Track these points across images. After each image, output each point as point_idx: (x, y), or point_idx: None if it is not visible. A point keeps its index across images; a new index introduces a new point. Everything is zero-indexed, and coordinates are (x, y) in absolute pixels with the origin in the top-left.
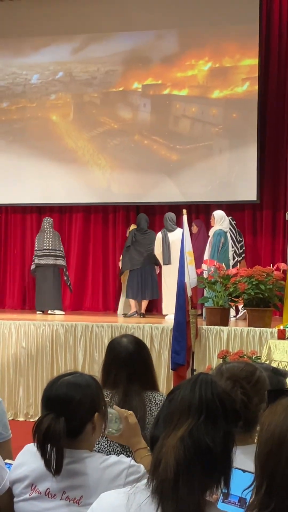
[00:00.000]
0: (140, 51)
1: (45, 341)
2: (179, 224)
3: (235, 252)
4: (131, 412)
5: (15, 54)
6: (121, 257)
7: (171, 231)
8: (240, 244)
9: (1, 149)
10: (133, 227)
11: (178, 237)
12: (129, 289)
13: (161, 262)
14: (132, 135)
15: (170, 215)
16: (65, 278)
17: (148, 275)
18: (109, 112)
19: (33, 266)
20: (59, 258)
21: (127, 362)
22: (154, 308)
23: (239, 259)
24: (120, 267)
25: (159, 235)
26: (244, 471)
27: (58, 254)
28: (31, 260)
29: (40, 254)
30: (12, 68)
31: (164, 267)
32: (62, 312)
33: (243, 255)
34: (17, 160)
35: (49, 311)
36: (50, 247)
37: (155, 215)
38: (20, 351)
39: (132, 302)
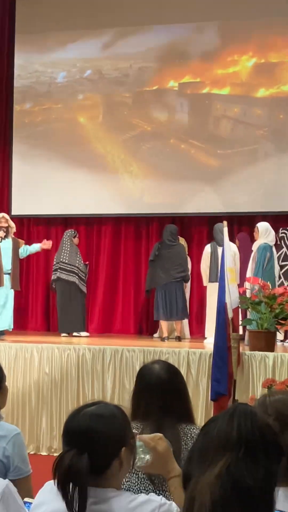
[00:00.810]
0: (176, 46)
1: (70, 366)
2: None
3: None
4: (160, 435)
5: (39, 51)
6: None
7: (222, 245)
8: None
9: (23, 154)
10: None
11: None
12: (155, 310)
13: (206, 279)
14: (168, 139)
15: (221, 226)
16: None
17: (173, 293)
18: (142, 113)
19: (53, 277)
20: (72, 275)
21: (159, 390)
22: (195, 331)
23: None
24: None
25: (207, 248)
26: None
27: (74, 270)
28: None
29: (55, 268)
30: (36, 66)
31: (209, 285)
32: (87, 334)
33: None
34: (40, 166)
35: (74, 333)
36: (67, 261)
37: (192, 228)
38: (43, 378)
39: (164, 324)
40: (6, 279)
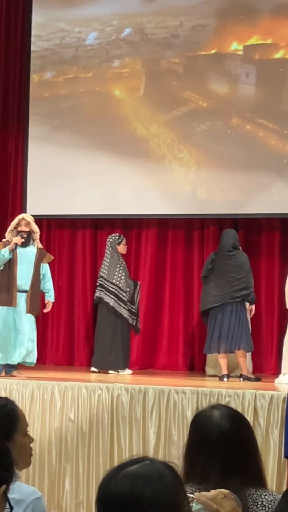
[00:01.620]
0: None
1: (102, 411)
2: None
3: None
4: (224, 492)
5: (64, 5)
6: None
7: None
8: None
9: (42, 137)
10: None
11: None
12: (206, 339)
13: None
14: (229, 118)
15: None
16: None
17: (229, 316)
18: (196, 84)
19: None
20: (109, 295)
21: (221, 446)
22: (265, 367)
23: None
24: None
25: None
26: None
27: (111, 288)
28: (83, 294)
29: (97, 284)
30: (60, 24)
31: None
32: (129, 371)
33: None
34: (64, 153)
35: (110, 371)
36: (105, 276)
37: (262, 233)
38: (66, 426)
39: (222, 358)
40: (22, 298)
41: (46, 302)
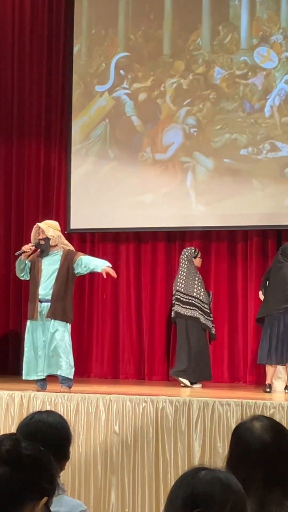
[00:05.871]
0: None
1: (146, 424)
2: None
3: None
4: None
5: None
6: None
7: None
8: None
9: (85, 150)
10: None
11: None
12: (259, 349)
13: None
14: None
15: None
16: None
17: (275, 327)
18: None
19: (172, 313)
20: (190, 308)
21: (262, 457)
22: None
23: None
24: None
25: None
26: None
27: (192, 301)
28: (127, 307)
29: (174, 298)
30: None
31: None
32: (193, 385)
33: None
34: (108, 163)
35: (184, 382)
36: (182, 290)
37: None
38: (111, 439)
39: (269, 369)
40: (46, 308)
41: (103, 272)
